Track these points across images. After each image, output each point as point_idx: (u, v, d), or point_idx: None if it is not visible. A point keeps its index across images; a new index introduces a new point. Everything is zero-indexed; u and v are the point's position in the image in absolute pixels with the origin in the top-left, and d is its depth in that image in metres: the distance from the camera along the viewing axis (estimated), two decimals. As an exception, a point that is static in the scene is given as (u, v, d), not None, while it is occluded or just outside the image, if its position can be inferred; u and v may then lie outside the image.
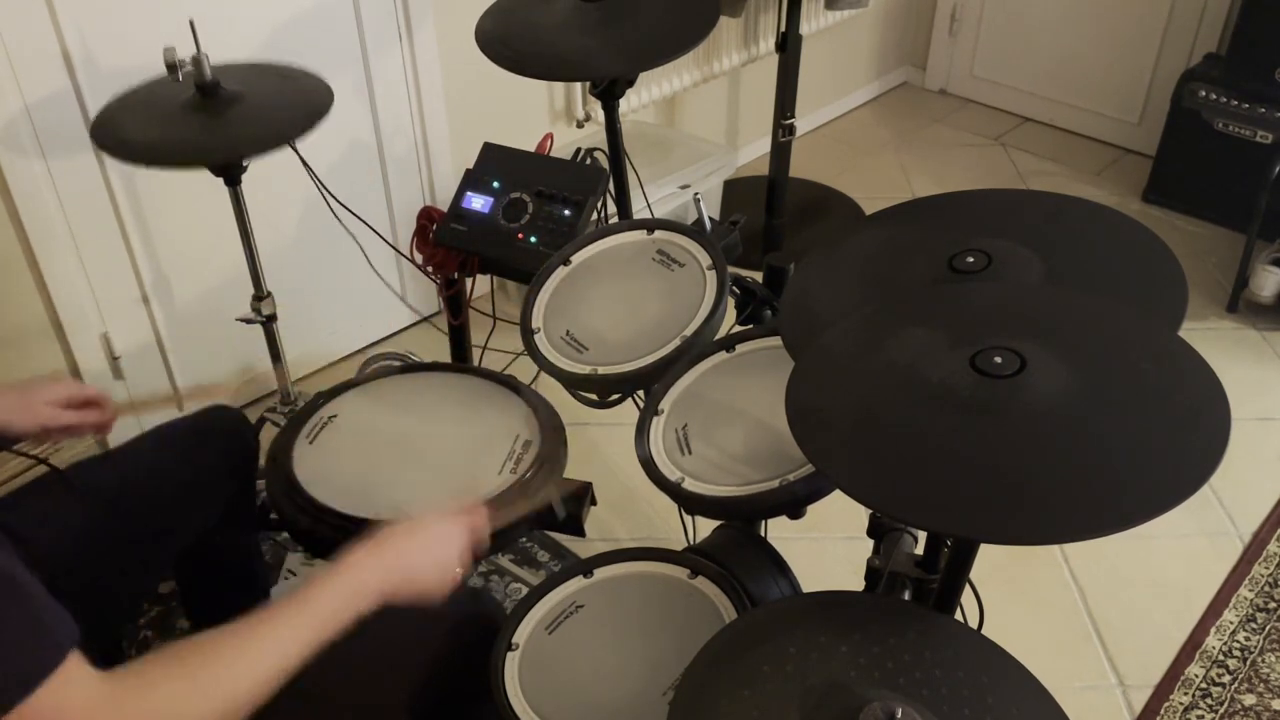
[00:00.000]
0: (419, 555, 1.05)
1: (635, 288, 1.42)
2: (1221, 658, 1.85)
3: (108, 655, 0.94)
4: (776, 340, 1.30)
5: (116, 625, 1.56)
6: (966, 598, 1.11)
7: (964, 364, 0.90)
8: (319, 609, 0.95)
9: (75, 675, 0.80)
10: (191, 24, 1.60)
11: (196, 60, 1.60)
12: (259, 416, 2.00)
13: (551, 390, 1.42)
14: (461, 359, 2.01)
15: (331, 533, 1.23)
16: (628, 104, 2.80)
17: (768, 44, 3.11)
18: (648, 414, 1.28)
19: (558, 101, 2.72)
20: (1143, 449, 0.84)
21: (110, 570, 1.28)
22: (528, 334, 1.40)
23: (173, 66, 1.60)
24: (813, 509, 1.15)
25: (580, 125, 2.78)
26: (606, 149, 1.92)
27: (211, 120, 1.60)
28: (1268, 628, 1.90)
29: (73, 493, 1.29)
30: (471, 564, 1.11)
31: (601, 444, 2.22)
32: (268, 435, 1.51)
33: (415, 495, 1.27)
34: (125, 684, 0.83)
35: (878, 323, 1.03)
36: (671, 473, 1.21)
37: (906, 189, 3.29)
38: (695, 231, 1.45)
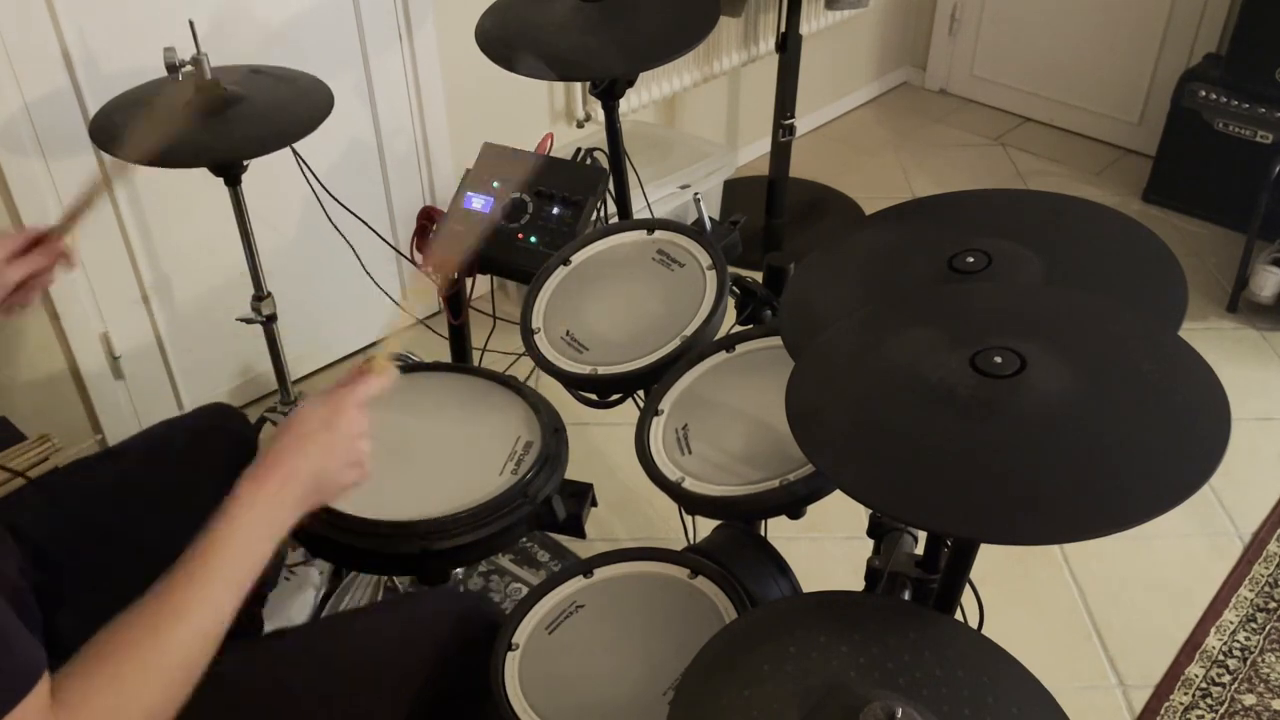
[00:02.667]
0: (324, 457, 0.98)
1: (635, 288, 1.42)
2: (1221, 658, 1.85)
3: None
4: (776, 340, 1.30)
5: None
6: (966, 598, 1.11)
7: (964, 364, 0.90)
8: (236, 559, 0.89)
9: (37, 704, 0.77)
10: (191, 24, 1.61)
11: (197, 60, 1.60)
12: (259, 416, 2.00)
13: (551, 390, 1.42)
14: (461, 359, 2.01)
15: (330, 532, 1.23)
16: (628, 104, 2.80)
17: (768, 44, 3.11)
18: (648, 414, 1.28)
19: (558, 101, 2.72)
20: (1143, 449, 0.84)
21: (110, 568, 1.28)
22: (528, 334, 1.40)
23: (173, 67, 1.60)
24: (813, 509, 1.15)
25: (580, 125, 2.78)
26: (606, 149, 1.92)
27: (211, 121, 1.60)
28: (1268, 628, 1.90)
29: (72, 492, 1.29)
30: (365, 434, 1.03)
31: (601, 444, 2.22)
32: (268, 435, 1.51)
33: (416, 495, 1.27)
34: (64, 707, 0.78)
35: (878, 323, 1.03)
36: (671, 473, 1.21)
37: (906, 189, 3.29)
38: (695, 231, 1.45)
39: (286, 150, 1.65)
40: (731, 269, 1.41)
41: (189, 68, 1.61)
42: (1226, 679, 1.81)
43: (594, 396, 1.42)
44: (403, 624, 1.16)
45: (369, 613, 1.24)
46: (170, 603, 0.87)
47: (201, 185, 1.76)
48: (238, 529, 0.92)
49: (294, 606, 1.80)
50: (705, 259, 1.41)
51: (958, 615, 1.09)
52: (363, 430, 1.03)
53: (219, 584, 0.89)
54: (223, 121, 1.61)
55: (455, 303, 1.89)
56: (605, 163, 1.89)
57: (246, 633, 1.00)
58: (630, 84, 1.88)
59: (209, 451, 1.43)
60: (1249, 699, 1.78)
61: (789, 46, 2.74)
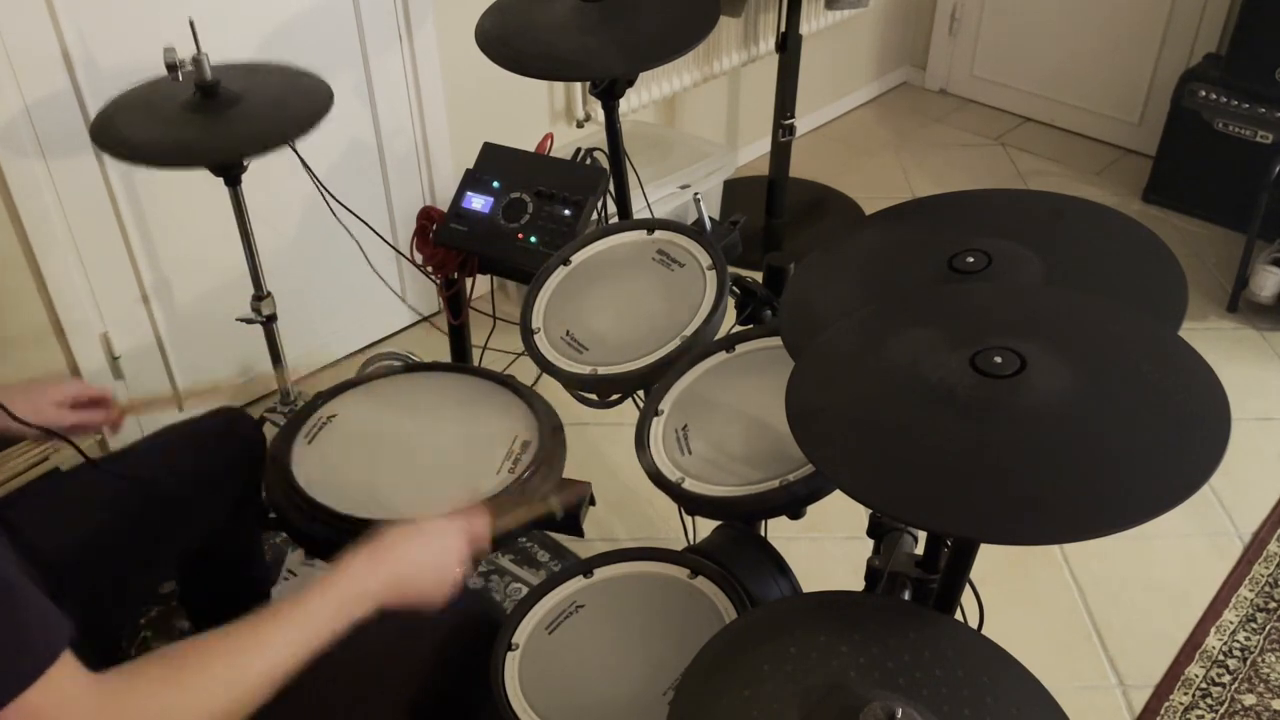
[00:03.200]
0: (417, 561, 1.04)
1: (635, 288, 1.42)
2: (1221, 658, 1.84)
3: (108, 654, 0.94)
4: (776, 340, 1.30)
5: (118, 625, 1.56)
6: (966, 598, 1.11)
7: (964, 364, 0.90)
8: (314, 616, 0.94)
9: (66, 677, 0.80)
10: (191, 24, 1.61)
11: (196, 60, 1.60)
12: (259, 416, 2.00)
13: (551, 390, 1.42)
14: (461, 359, 2.01)
15: (329, 533, 1.23)
16: (628, 104, 2.80)
17: (768, 44, 3.11)
18: (648, 414, 1.28)
19: (558, 101, 2.72)
20: (1143, 449, 0.84)
21: (114, 569, 1.28)
22: (528, 334, 1.40)
23: (173, 66, 1.60)
24: (813, 509, 1.15)
25: (580, 125, 2.78)
26: (606, 149, 1.92)
27: (211, 120, 1.61)
28: (1268, 628, 1.90)
29: (77, 491, 1.29)
30: (471, 566, 1.11)
31: (601, 444, 2.22)
32: (268, 435, 1.51)
33: (414, 495, 1.27)
34: (115, 688, 0.83)
35: (878, 323, 1.03)
36: (671, 473, 1.21)
37: (906, 189, 3.29)
38: (695, 231, 1.45)
39: (287, 150, 1.65)
40: (731, 269, 1.40)
41: (189, 67, 1.61)
42: (1226, 679, 1.81)
43: (594, 396, 1.42)
44: (402, 623, 1.16)
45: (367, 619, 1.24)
46: (249, 636, 0.91)
47: (201, 185, 1.76)
48: (325, 594, 0.96)
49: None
50: (705, 259, 1.41)
51: (958, 615, 1.09)
52: (462, 560, 1.09)
53: (294, 637, 0.92)
54: (223, 120, 1.61)
55: (455, 303, 1.89)
56: (605, 163, 1.89)
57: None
58: (630, 84, 1.88)
59: (217, 453, 1.43)
60: (1249, 699, 1.77)
61: (789, 46, 2.74)
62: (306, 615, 0.94)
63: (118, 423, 1.36)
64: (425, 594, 1.04)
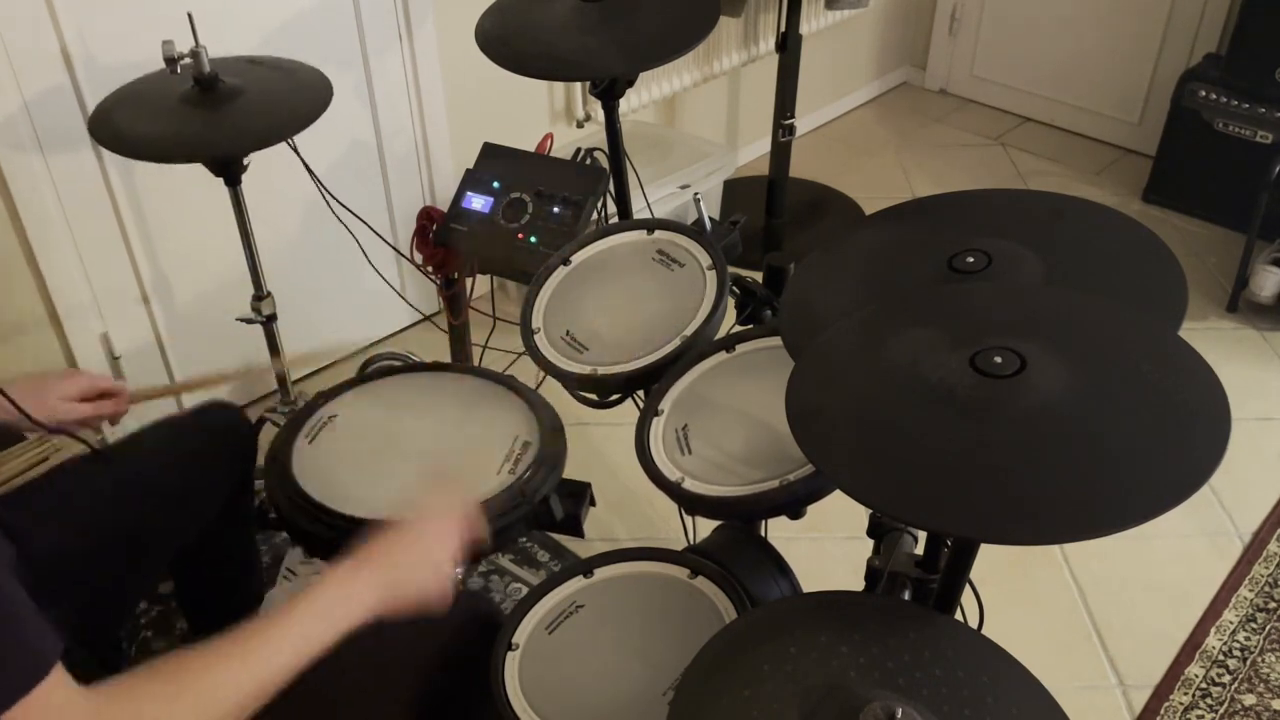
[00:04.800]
0: (414, 565, 1.03)
1: (635, 288, 1.42)
2: (1221, 658, 1.85)
3: (106, 654, 0.94)
4: (776, 340, 1.30)
5: (116, 624, 1.56)
6: (966, 598, 1.11)
7: (964, 364, 0.90)
8: (307, 627, 0.93)
9: (56, 692, 0.79)
10: (190, 17, 1.60)
11: (195, 53, 1.59)
12: (259, 416, 2.00)
13: (551, 390, 1.42)
14: (461, 359, 2.01)
15: (330, 533, 1.23)
16: (628, 104, 2.80)
17: (768, 44, 3.11)
18: (648, 414, 1.28)
19: (558, 101, 2.72)
20: (1143, 449, 0.84)
21: (110, 568, 1.28)
22: (528, 334, 1.40)
23: (171, 60, 1.59)
24: (813, 509, 1.15)
25: (580, 125, 2.78)
26: (606, 149, 1.92)
27: (210, 114, 1.60)
28: (1268, 628, 1.90)
29: (73, 489, 1.29)
30: (469, 565, 1.10)
31: (601, 444, 2.22)
32: (268, 435, 1.51)
33: (414, 495, 1.27)
34: (108, 700, 0.82)
35: (878, 323, 1.03)
36: (671, 473, 1.21)
37: (906, 189, 3.29)
38: (695, 231, 1.45)
39: (287, 150, 1.65)
40: (731, 269, 1.40)
41: (187, 60, 1.61)
42: (1226, 679, 1.81)
43: (594, 396, 1.42)
44: (403, 624, 1.16)
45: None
46: (236, 650, 0.90)
47: (201, 185, 1.76)
48: (315, 605, 0.95)
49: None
50: (705, 259, 1.41)
51: (958, 615, 1.09)
52: (455, 558, 1.08)
53: (283, 651, 0.91)
54: (222, 115, 1.60)
55: (455, 303, 1.89)
56: (605, 163, 1.89)
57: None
58: (630, 84, 1.88)
59: (209, 449, 1.43)
60: (1249, 699, 1.77)
61: (789, 46, 2.74)
62: (300, 626, 0.93)
63: (123, 412, 1.36)
64: (422, 597, 1.03)
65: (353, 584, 0.98)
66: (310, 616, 0.94)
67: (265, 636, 0.91)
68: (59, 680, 0.79)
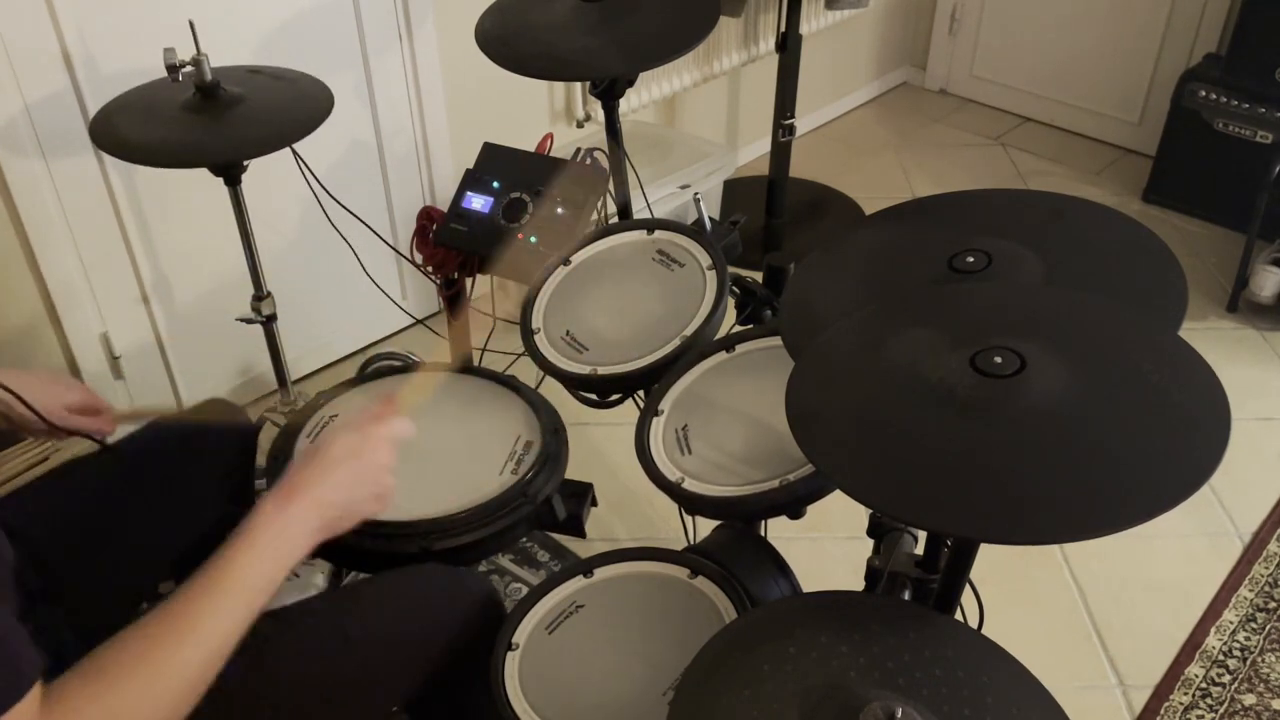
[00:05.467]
0: (346, 477, 0.98)
1: (635, 288, 1.42)
2: (1221, 658, 1.85)
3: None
4: (776, 340, 1.30)
5: (117, 624, 1.56)
6: (966, 598, 1.11)
7: (964, 364, 0.90)
8: (251, 573, 0.89)
9: (31, 709, 0.76)
10: (191, 25, 1.60)
11: (196, 61, 1.60)
12: (259, 416, 2.00)
13: (552, 390, 1.42)
14: (461, 360, 2.01)
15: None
16: (628, 104, 2.80)
17: (768, 44, 3.11)
18: (648, 414, 1.28)
19: (558, 101, 2.72)
20: (1143, 449, 0.84)
21: (109, 567, 1.28)
22: (528, 334, 1.40)
23: (173, 68, 1.60)
24: (813, 509, 1.15)
25: (580, 125, 2.78)
26: (606, 149, 1.92)
27: (211, 122, 1.60)
28: (1268, 628, 1.90)
29: (75, 489, 1.29)
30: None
31: (601, 444, 2.22)
32: (268, 435, 1.51)
33: (416, 495, 1.27)
34: (51, 712, 0.77)
35: (878, 323, 1.03)
36: (671, 473, 1.21)
37: (906, 189, 3.29)
38: (695, 231, 1.45)
39: (286, 150, 1.65)
40: (731, 269, 1.41)
41: (189, 68, 1.61)
42: (1226, 679, 1.81)
43: (594, 396, 1.42)
44: (404, 625, 1.16)
45: (369, 592, 1.24)
46: (179, 619, 0.85)
47: (201, 185, 1.76)
48: (255, 551, 0.91)
49: (294, 606, 1.80)
50: (705, 259, 1.41)
51: (958, 615, 1.09)
52: (390, 463, 1.03)
53: (230, 605, 0.88)
54: (223, 122, 1.61)
55: (455, 303, 1.89)
56: (605, 163, 1.89)
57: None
58: (630, 84, 1.88)
59: (209, 447, 1.43)
60: (1249, 699, 1.77)
61: (789, 46, 2.73)
62: (241, 575, 0.88)
63: (109, 432, 1.36)
64: (362, 509, 1.00)
65: (287, 515, 0.93)
66: (251, 562, 0.89)
67: (205, 603, 0.86)
68: (35, 697, 0.76)
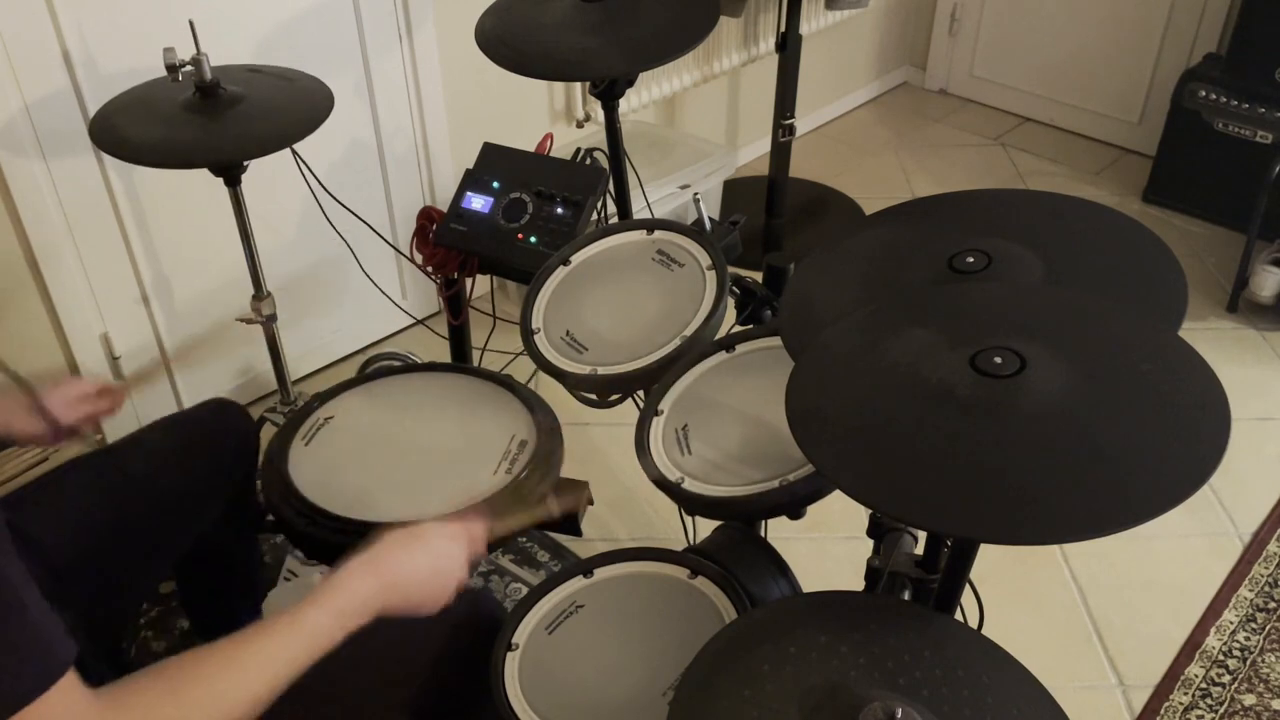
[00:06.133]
0: (418, 570, 1.03)
1: (635, 288, 1.42)
2: (1221, 658, 1.84)
3: (108, 654, 0.94)
4: (776, 340, 1.30)
5: (118, 625, 1.56)
6: (966, 598, 1.11)
7: (964, 364, 0.90)
8: (312, 627, 0.94)
9: (67, 695, 0.79)
10: (191, 25, 1.61)
11: (196, 61, 1.60)
12: (259, 416, 2.00)
13: (551, 390, 1.42)
14: (461, 359, 2.01)
15: (327, 535, 1.23)
16: (628, 104, 2.80)
17: (768, 44, 3.11)
18: (648, 414, 1.28)
19: (558, 101, 2.72)
20: (1143, 449, 0.84)
21: (112, 568, 1.28)
22: (528, 334, 1.40)
23: (173, 68, 1.60)
24: (813, 509, 1.15)
25: (580, 125, 2.78)
26: (606, 149, 1.92)
27: (211, 121, 1.60)
28: (1268, 628, 1.90)
29: (76, 489, 1.29)
30: (469, 570, 1.10)
31: (601, 444, 2.22)
32: (268, 435, 1.51)
33: (411, 497, 1.27)
34: (115, 705, 0.82)
35: (878, 323, 1.03)
36: (671, 473, 1.21)
37: (906, 189, 3.29)
38: (695, 231, 1.45)
39: (286, 150, 1.65)
40: (731, 269, 1.40)
41: (189, 68, 1.61)
42: (1226, 679, 1.81)
43: (594, 396, 1.42)
44: (404, 625, 1.16)
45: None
46: (242, 649, 0.90)
47: (201, 185, 1.76)
48: (323, 607, 0.95)
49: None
50: (705, 259, 1.41)
51: (958, 615, 1.09)
52: (462, 576, 1.07)
53: (289, 647, 0.92)
54: (223, 122, 1.61)
55: (455, 303, 1.89)
56: (605, 163, 1.89)
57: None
58: (630, 84, 1.88)
59: (210, 446, 1.43)
60: (1249, 699, 1.77)
61: (789, 46, 2.73)
62: (305, 628, 0.93)
63: (120, 405, 1.37)
64: (426, 602, 1.04)
65: (361, 587, 0.98)
66: (318, 618, 0.94)
67: (273, 638, 0.91)
68: (72, 683, 0.80)
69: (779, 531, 1.38)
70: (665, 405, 1.29)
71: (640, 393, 1.41)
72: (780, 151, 2.92)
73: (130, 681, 0.84)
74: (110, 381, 1.36)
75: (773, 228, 3.04)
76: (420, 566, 1.04)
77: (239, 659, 0.89)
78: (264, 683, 0.89)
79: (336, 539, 1.22)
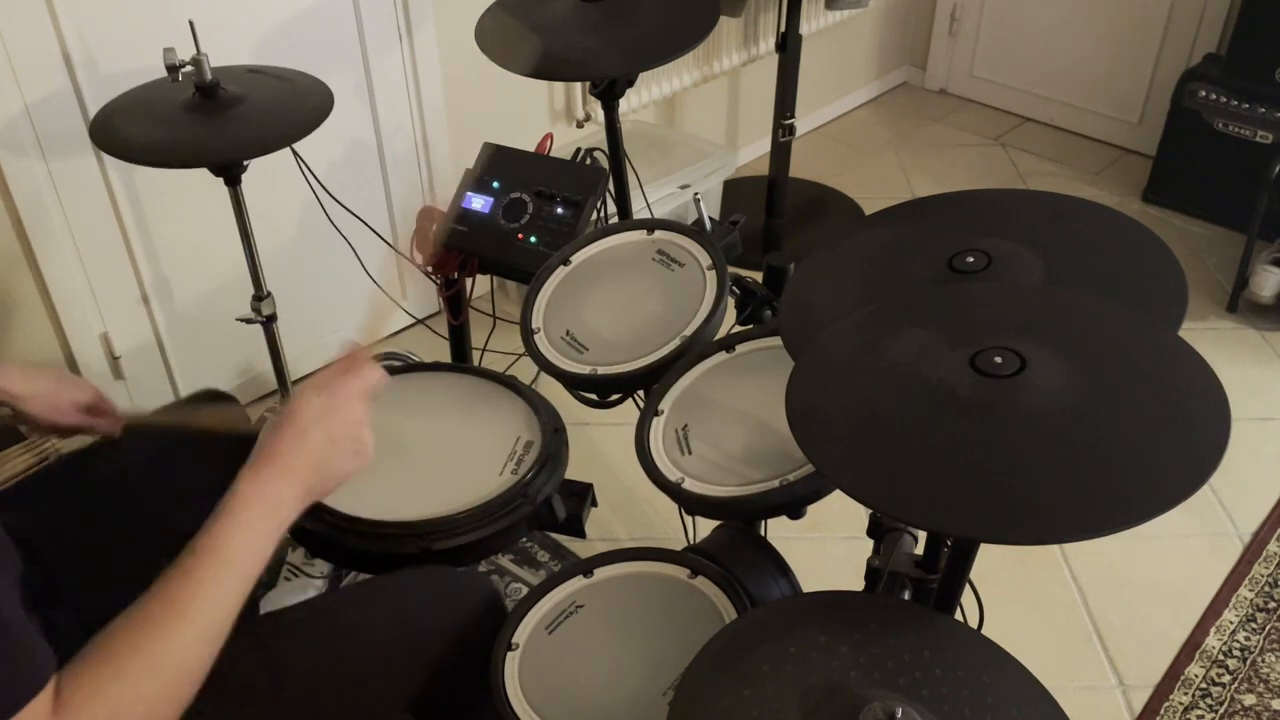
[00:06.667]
0: (327, 443, 0.97)
1: (635, 288, 1.42)
2: (1221, 658, 1.85)
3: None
4: (776, 340, 1.30)
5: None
6: (966, 598, 1.11)
7: (964, 364, 0.90)
8: (239, 551, 0.88)
9: (44, 703, 0.76)
10: (191, 25, 1.60)
11: (196, 61, 1.60)
12: (259, 416, 2.00)
13: (552, 390, 1.42)
14: (462, 359, 2.01)
15: (330, 532, 1.23)
16: (628, 104, 2.80)
17: (768, 44, 3.11)
18: (648, 414, 1.28)
19: (558, 101, 2.72)
20: (1143, 449, 0.84)
21: (109, 567, 1.27)
22: (528, 334, 1.40)
23: (173, 68, 1.60)
24: (813, 509, 1.15)
25: (580, 125, 2.78)
26: (606, 149, 1.92)
27: (211, 122, 1.60)
28: (1268, 628, 1.90)
29: (75, 487, 1.29)
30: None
31: (601, 444, 2.22)
32: (267, 428, 1.51)
33: (415, 496, 1.27)
34: (63, 704, 0.77)
35: (878, 323, 1.03)
36: (671, 473, 1.21)
37: (906, 189, 3.29)
38: (695, 231, 1.45)
39: (286, 150, 1.65)
40: (731, 269, 1.40)
41: (189, 68, 1.61)
42: (1226, 679, 1.81)
43: (594, 396, 1.42)
44: (404, 625, 1.16)
45: (370, 591, 1.24)
46: (173, 602, 0.85)
47: (201, 185, 1.76)
48: (239, 525, 0.91)
49: (294, 606, 1.80)
50: (705, 259, 1.41)
51: (958, 615, 1.09)
52: (364, 418, 1.02)
53: (221, 583, 0.88)
54: (223, 122, 1.61)
55: (455, 303, 1.89)
56: (605, 163, 1.89)
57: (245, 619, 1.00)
58: (630, 84, 1.88)
59: (207, 445, 1.43)
60: (1249, 699, 1.78)
61: (789, 46, 2.73)
62: (228, 555, 0.88)
63: (115, 432, 1.36)
64: (344, 473, 0.99)
65: (266, 488, 0.93)
66: (236, 539, 0.89)
67: (196, 584, 0.86)
68: (48, 692, 0.77)
69: (779, 531, 1.38)
70: (665, 405, 1.29)
71: (640, 393, 1.41)
72: (780, 151, 2.92)
73: (70, 673, 0.79)
74: (106, 399, 1.34)
75: (773, 228, 3.04)
76: (326, 443, 0.97)
77: (174, 612, 0.84)
78: (207, 625, 0.85)
79: (340, 536, 1.22)
